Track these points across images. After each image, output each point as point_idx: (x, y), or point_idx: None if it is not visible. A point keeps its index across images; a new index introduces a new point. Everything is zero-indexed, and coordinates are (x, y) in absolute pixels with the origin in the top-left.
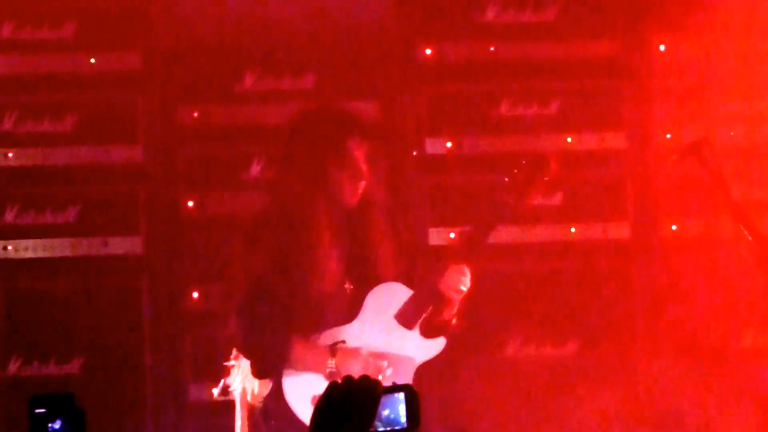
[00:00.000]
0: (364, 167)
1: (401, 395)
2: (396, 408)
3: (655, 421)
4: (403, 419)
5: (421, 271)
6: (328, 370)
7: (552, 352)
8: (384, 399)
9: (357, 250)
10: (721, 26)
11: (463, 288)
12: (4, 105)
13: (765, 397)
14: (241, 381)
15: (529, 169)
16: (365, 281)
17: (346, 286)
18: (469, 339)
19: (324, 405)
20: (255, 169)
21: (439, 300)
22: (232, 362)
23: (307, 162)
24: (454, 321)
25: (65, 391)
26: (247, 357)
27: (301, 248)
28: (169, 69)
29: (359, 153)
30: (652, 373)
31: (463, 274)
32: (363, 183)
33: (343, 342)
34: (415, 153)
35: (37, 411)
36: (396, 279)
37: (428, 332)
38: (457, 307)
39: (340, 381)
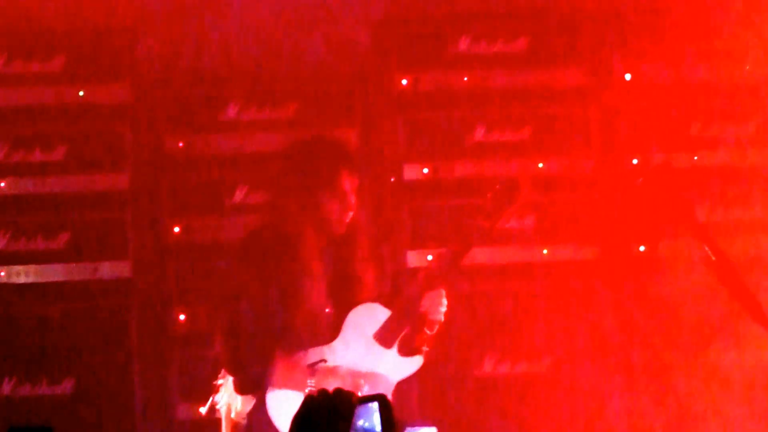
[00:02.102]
0: (353, 199)
1: (375, 405)
2: (371, 417)
3: None
4: (378, 428)
5: (399, 293)
6: (307, 389)
7: (527, 369)
8: (359, 410)
9: (340, 274)
10: (684, 55)
11: (443, 310)
12: None
13: (731, 411)
14: (226, 399)
15: (501, 193)
16: (346, 304)
17: (327, 310)
18: (448, 357)
19: (301, 417)
20: (239, 195)
21: (420, 322)
22: (220, 381)
23: (300, 191)
24: (425, 348)
25: (58, 412)
26: (230, 374)
27: (287, 272)
28: (155, 100)
29: (349, 185)
30: (623, 388)
31: (441, 297)
32: (351, 213)
33: (324, 361)
34: (393, 179)
35: None
36: (376, 301)
37: (406, 351)
38: (436, 329)
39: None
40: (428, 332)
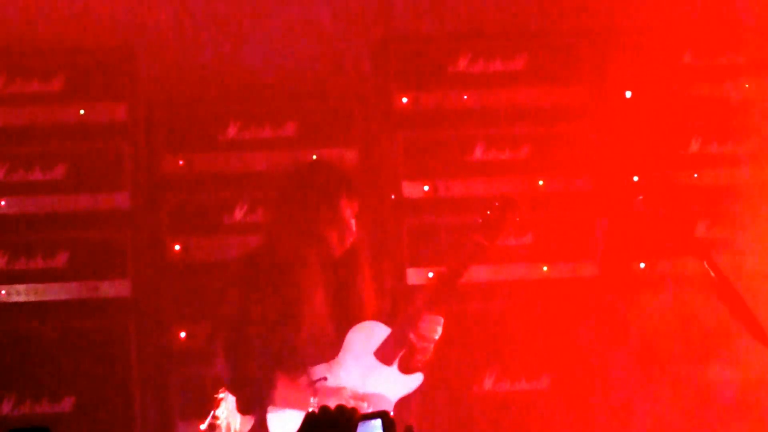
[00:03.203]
0: (352, 225)
1: (378, 422)
2: None
3: None
4: None
5: (400, 311)
6: (310, 409)
7: (527, 387)
8: (361, 427)
9: (340, 292)
10: (683, 72)
11: (436, 337)
12: None
13: (730, 428)
14: (226, 414)
15: (499, 211)
16: (346, 322)
17: (329, 329)
18: (448, 375)
19: None
20: (238, 214)
21: (414, 345)
22: (221, 395)
23: (299, 217)
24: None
25: (58, 430)
26: (232, 393)
27: (288, 292)
28: (154, 119)
29: (349, 211)
30: (623, 406)
31: (438, 324)
32: (351, 238)
33: (325, 379)
34: (393, 196)
35: None
36: (376, 318)
37: (406, 368)
38: (428, 355)
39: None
40: (420, 358)
